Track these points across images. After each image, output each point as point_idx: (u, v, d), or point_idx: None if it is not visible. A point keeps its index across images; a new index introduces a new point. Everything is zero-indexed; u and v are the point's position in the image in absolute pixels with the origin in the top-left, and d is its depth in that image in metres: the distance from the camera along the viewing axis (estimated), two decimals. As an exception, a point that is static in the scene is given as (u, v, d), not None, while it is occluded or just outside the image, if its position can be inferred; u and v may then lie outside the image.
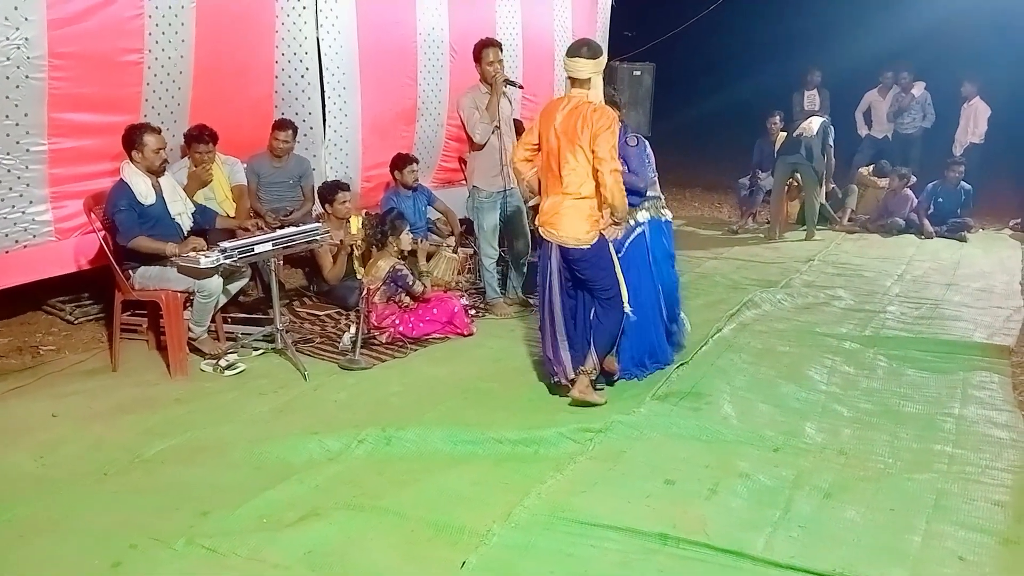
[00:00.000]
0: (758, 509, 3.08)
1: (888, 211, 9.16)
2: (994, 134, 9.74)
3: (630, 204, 4.19)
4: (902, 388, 4.38)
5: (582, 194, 3.92)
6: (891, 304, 6.12)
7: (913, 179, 9.21)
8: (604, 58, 3.97)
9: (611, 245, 4.12)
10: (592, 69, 3.87)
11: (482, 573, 2.69)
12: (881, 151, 10.08)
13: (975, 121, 9.70)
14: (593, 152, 3.81)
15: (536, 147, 4.12)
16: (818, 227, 8.98)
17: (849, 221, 9.50)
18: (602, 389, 4.26)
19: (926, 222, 8.86)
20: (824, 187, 9.08)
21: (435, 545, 2.89)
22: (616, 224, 4.14)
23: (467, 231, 6.63)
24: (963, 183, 8.95)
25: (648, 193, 4.59)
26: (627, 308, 4.11)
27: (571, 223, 3.96)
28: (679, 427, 3.84)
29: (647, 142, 4.70)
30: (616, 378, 4.43)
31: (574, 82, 3.92)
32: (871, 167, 9.81)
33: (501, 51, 5.55)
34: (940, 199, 9.01)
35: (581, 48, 3.89)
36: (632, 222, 4.45)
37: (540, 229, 4.10)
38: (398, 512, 3.10)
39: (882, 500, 3.15)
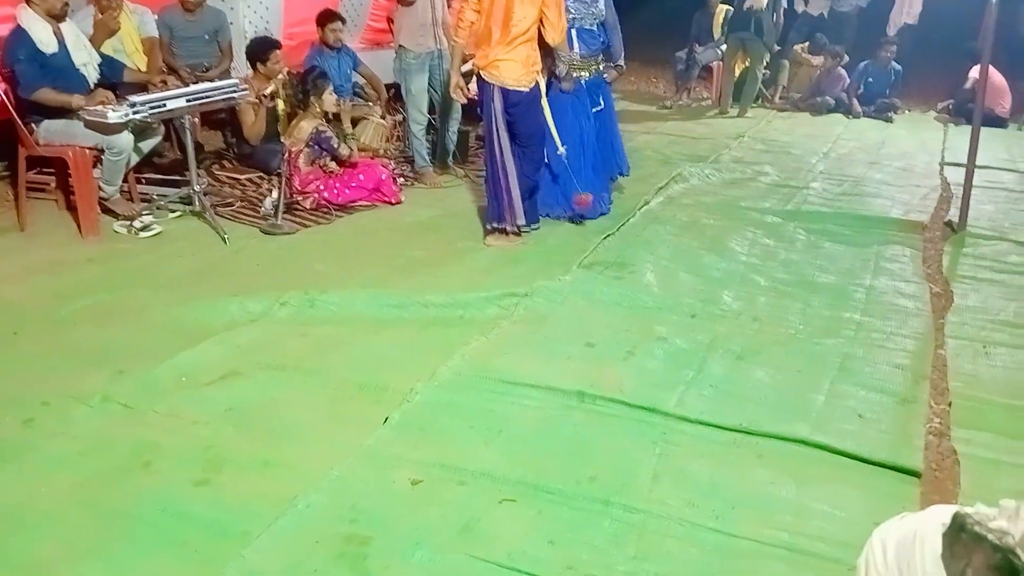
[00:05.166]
0: (673, 370, 3.17)
1: (820, 90, 9.21)
2: (928, 16, 9.75)
3: (585, 55, 4.84)
4: (818, 260, 4.50)
5: (525, 40, 4.29)
6: (815, 181, 6.23)
7: (846, 58, 9.22)
8: None
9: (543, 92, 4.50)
10: None
11: (404, 429, 2.73)
12: (816, 28, 10.01)
13: (911, 1, 9.68)
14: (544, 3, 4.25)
15: (478, 10, 4.31)
16: (750, 105, 9.00)
17: (780, 99, 9.53)
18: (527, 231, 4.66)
19: (855, 102, 8.95)
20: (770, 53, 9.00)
21: (358, 403, 2.91)
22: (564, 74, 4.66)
23: (395, 97, 6.41)
24: (894, 63, 9.01)
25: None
26: (561, 149, 4.58)
27: (514, 68, 4.31)
28: (602, 294, 3.89)
29: None
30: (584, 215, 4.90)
31: None
32: (806, 44, 9.77)
33: None
34: (870, 79, 9.08)
35: None
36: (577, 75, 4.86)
37: (483, 73, 4.41)
38: (321, 373, 3.10)
39: (790, 362, 3.27)
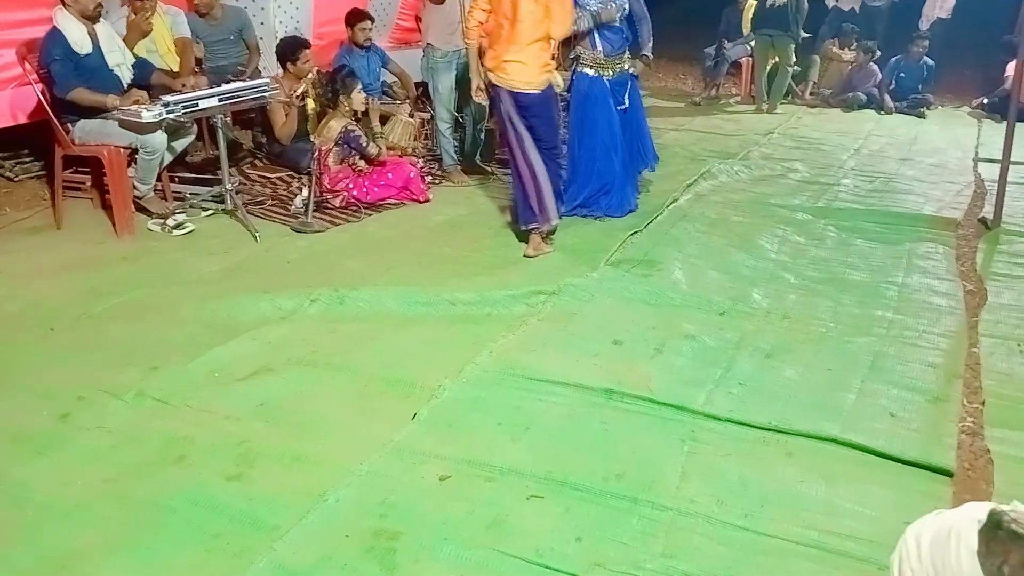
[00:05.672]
0: (701, 368, 3.15)
1: (851, 85, 9.09)
2: (961, 10, 9.59)
3: (608, 54, 4.76)
4: (849, 257, 4.45)
5: (533, 41, 4.13)
6: (845, 177, 6.16)
7: (878, 53, 9.10)
8: None
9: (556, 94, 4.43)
10: None
11: (432, 425, 2.74)
12: (847, 23, 9.88)
13: (944, -5, 9.53)
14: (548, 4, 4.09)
15: (488, 9, 4.22)
16: (780, 101, 8.93)
17: (811, 95, 9.43)
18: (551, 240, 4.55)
19: (887, 97, 8.83)
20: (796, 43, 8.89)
21: (387, 399, 2.93)
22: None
23: (423, 96, 6.43)
24: (926, 58, 8.88)
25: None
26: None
27: (523, 70, 4.18)
28: (630, 291, 3.88)
29: None
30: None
31: None
32: (836, 39, 9.66)
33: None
34: (902, 74, 8.95)
35: None
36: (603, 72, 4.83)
37: (491, 75, 4.27)
38: (351, 368, 3.13)
39: (821, 360, 3.24)
